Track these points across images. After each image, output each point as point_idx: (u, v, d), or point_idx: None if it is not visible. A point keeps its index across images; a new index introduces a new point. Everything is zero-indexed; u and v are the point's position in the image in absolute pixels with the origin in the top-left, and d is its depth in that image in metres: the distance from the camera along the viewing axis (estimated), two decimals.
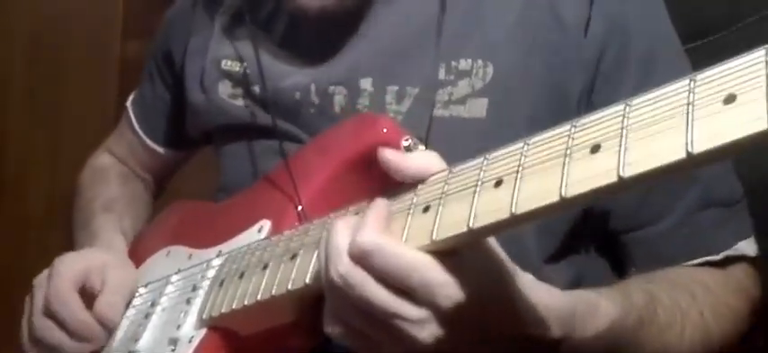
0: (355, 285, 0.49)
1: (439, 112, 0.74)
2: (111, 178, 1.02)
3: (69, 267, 0.77)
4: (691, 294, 0.70)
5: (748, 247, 0.75)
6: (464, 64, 0.74)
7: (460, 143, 0.69)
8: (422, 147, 0.66)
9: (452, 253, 0.49)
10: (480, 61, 0.73)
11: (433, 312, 0.49)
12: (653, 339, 0.64)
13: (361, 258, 0.49)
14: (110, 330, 0.76)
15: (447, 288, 0.49)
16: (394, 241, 0.49)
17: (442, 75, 0.74)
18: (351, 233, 0.50)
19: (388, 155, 0.56)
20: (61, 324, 0.75)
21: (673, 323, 0.66)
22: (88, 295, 0.77)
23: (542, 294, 0.54)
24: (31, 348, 0.78)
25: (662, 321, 0.65)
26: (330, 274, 0.51)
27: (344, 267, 0.50)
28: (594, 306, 0.58)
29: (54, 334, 0.76)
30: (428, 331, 0.50)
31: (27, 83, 1.75)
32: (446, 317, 0.49)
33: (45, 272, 0.79)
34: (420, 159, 0.55)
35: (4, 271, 1.69)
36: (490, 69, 0.73)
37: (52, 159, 1.72)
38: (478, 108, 0.73)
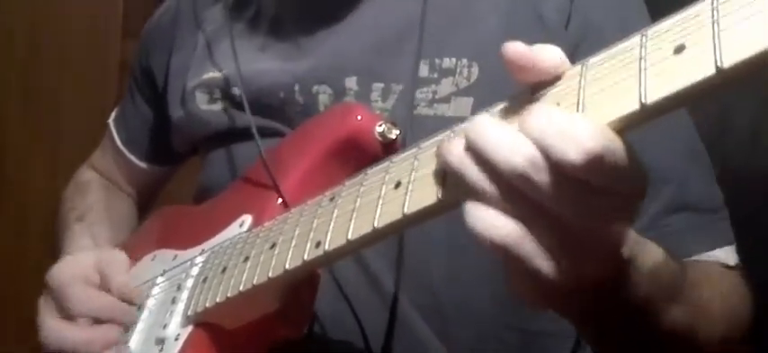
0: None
1: (423, 110, 0.73)
2: (91, 190, 1.02)
3: (68, 270, 0.76)
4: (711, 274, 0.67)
5: (727, 255, 0.71)
6: (448, 62, 0.73)
7: None
8: (396, 131, 0.66)
9: None
10: (465, 60, 0.73)
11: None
12: (692, 294, 0.59)
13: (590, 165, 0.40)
14: (135, 307, 0.74)
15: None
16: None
17: (425, 72, 0.74)
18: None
19: (521, 48, 0.45)
20: (89, 316, 0.73)
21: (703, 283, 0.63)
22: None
23: None
24: None
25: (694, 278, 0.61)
26: (561, 154, 0.39)
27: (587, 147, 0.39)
28: (644, 240, 0.53)
29: (79, 333, 0.72)
30: (617, 225, 0.43)
31: (27, 83, 1.76)
32: (629, 206, 0.43)
33: (41, 299, 0.77)
34: (554, 50, 0.46)
35: (4, 271, 1.70)
36: (476, 69, 0.73)
37: (52, 159, 1.73)
38: (463, 107, 0.73)
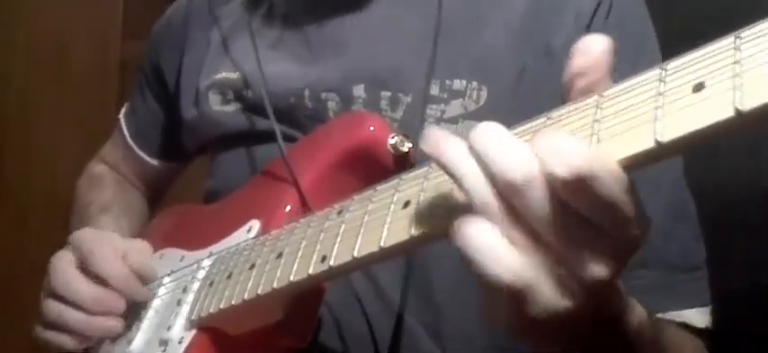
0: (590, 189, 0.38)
1: (430, 127, 0.73)
2: (107, 184, 1.03)
3: (97, 233, 0.78)
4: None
5: (696, 317, 0.70)
6: (458, 84, 0.73)
7: None
8: (409, 144, 0.66)
9: None
10: (475, 83, 0.73)
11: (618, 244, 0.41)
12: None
13: (574, 183, 0.39)
14: (147, 284, 0.75)
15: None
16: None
17: (435, 91, 0.73)
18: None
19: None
20: (102, 275, 0.74)
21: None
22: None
23: None
24: (58, 308, 0.75)
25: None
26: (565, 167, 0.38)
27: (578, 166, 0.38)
28: (629, 297, 0.53)
29: (85, 285, 0.73)
30: (605, 269, 0.41)
31: (27, 83, 1.75)
32: (621, 254, 0.41)
33: (62, 250, 0.78)
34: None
35: (4, 271, 1.70)
36: (484, 93, 0.73)
37: (52, 159, 1.73)
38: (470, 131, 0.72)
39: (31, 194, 1.75)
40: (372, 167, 0.66)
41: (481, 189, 0.41)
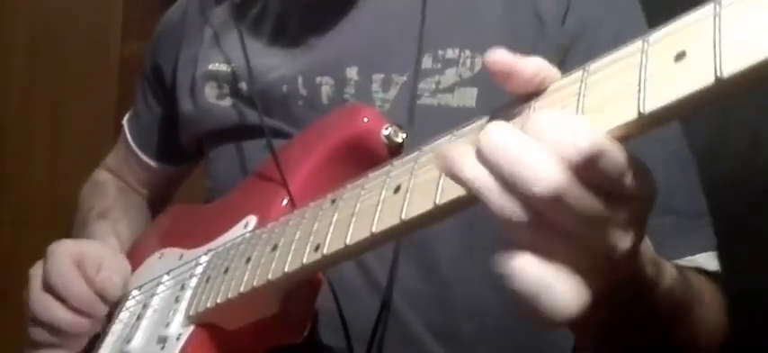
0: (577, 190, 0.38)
1: (427, 100, 0.74)
2: (108, 190, 1.04)
3: (66, 248, 0.79)
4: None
5: (709, 261, 0.71)
6: (451, 53, 0.74)
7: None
8: (403, 134, 0.66)
9: None
10: (468, 51, 0.74)
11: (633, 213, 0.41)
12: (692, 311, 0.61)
13: (589, 161, 0.38)
14: (108, 304, 0.77)
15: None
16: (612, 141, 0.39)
17: (428, 64, 0.74)
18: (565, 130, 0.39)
19: (500, 56, 0.44)
20: (60, 297, 0.76)
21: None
22: (84, 278, 0.78)
23: None
24: (35, 330, 0.78)
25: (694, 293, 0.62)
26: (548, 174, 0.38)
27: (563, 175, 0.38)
28: (661, 260, 0.53)
29: (52, 308, 0.76)
30: (630, 238, 0.41)
31: (27, 83, 1.76)
32: (640, 217, 0.42)
33: (39, 261, 0.79)
34: (534, 60, 0.44)
35: (3, 271, 1.70)
36: (479, 60, 0.73)
37: (52, 160, 1.73)
38: (467, 97, 0.73)
39: (31, 194, 1.75)
40: (367, 160, 0.66)
41: (508, 206, 0.39)
